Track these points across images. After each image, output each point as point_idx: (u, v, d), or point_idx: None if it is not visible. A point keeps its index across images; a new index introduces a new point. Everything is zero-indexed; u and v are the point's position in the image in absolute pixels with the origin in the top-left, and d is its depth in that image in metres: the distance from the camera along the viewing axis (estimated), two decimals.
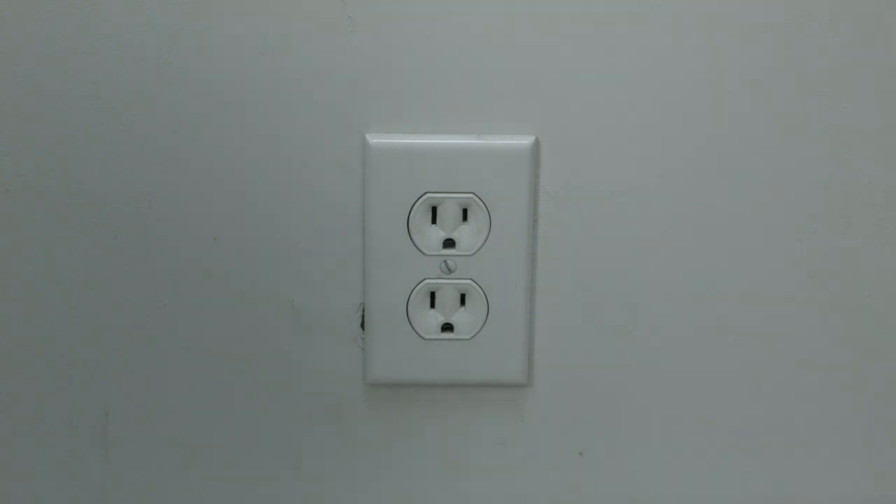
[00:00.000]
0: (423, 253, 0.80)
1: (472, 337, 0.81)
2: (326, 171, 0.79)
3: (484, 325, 0.81)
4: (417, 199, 0.79)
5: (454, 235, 0.80)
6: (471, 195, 0.79)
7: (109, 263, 0.81)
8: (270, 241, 0.81)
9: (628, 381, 0.84)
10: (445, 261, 0.80)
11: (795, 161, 0.79)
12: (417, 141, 0.78)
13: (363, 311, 0.82)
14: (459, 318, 0.81)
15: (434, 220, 0.80)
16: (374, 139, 0.78)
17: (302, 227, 0.80)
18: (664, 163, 0.79)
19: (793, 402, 0.84)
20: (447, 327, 0.81)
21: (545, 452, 0.85)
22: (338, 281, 0.81)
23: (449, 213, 0.79)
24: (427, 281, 0.80)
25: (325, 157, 0.79)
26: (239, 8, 0.76)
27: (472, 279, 0.80)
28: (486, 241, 0.80)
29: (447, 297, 0.80)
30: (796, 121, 0.79)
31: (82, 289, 0.81)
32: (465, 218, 0.80)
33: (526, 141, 0.79)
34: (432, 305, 0.81)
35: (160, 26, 0.76)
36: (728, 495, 0.86)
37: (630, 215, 0.80)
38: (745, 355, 0.83)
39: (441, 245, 0.80)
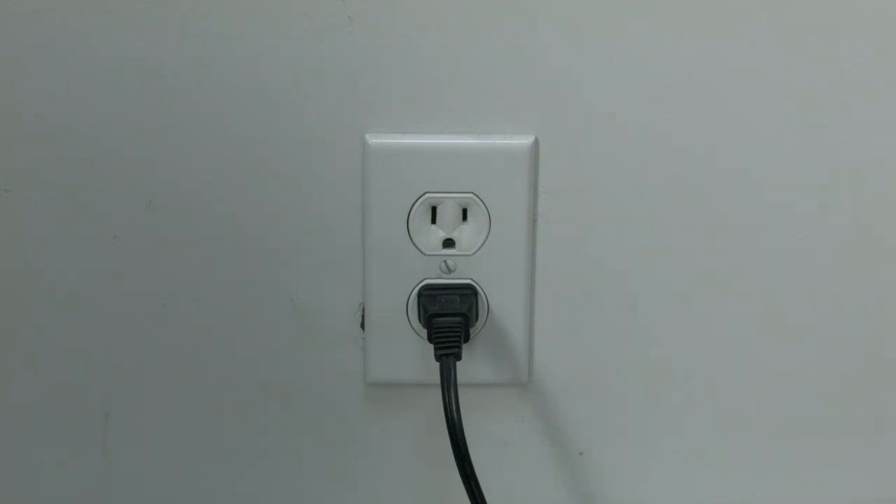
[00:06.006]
0: (422, 253, 0.80)
1: (473, 336, 0.81)
2: (326, 171, 0.79)
3: (484, 324, 0.81)
4: (417, 199, 0.79)
5: (454, 235, 0.80)
6: (470, 195, 0.79)
7: (109, 263, 0.81)
8: (270, 241, 0.81)
9: (628, 381, 0.84)
10: (445, 261, 0.80)
11: (796, 160, 0.79)
12: (417, 141, 0.78)
13: (363, 311, 0.82)
14: None
15: (434, 220, 0.80)
16: (374, 139, 0.78)
17: (302, 227, 0.80)
18: (664, 163, 0.79)
19: (793, 402, 0.84)
20: None
21: (545, 452, 0.85)
22: (338, 281, 0.81)
23: (449, 213, 0.79)
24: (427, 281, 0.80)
25: (325, 157, 0.79)
26: (238, 8, 0.76)
27: (471, 279, 0.80)
28: (485, 240, 0.80)
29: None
30: (797, 120, 0.79)
31: (82, 289, 0.81)
32: (464, 218, 0.80)
33: (525, 141, 0.79)
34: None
35: (159, 26, 0.76)
36: (728, 495, 0.86)
37: (630, 215, 0.80)
38: (746, 355, 0.83)
39: (441, 245, 0.80)
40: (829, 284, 0.82)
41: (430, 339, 0.79)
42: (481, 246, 0.80)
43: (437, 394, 0.76)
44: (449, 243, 0.80)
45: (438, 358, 0.78)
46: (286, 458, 0.85)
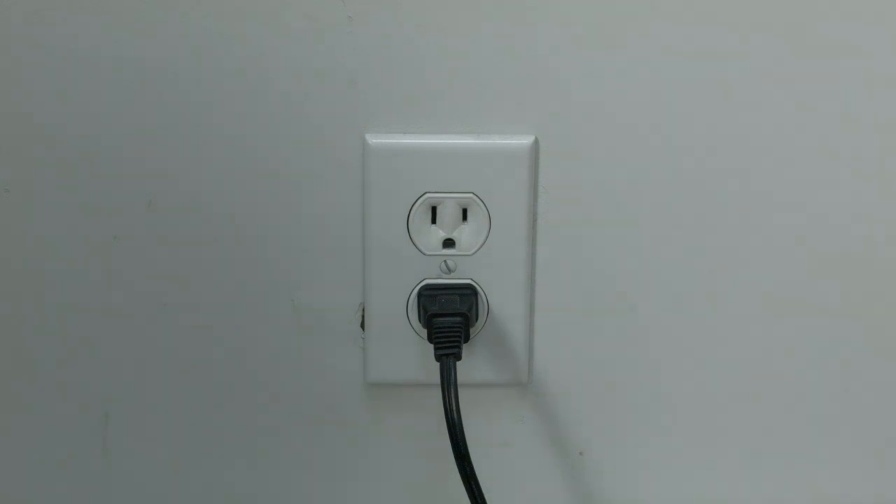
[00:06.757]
0: (422, 253, 0.80)
1: (473, 336, 0.81)
2: (326, 171, 0.79)
3: (484, 324, 0.81)
4: (417, 199, 0.79)
5: (454, 235, 0.80)
6: (470, 195, 0.79)
7: (109, 263, 0.81)
8: (270, 241, 0.81)
9: (628, 381, 0.84)
10: (445, 261, 0.80)
11: (796, 159, 0.79)
12: (417, 141, 0.78)
13: (363, 311, 0.82)
14: None
15: (434, 220, 0.80)
16: (374, 139, 0.78)
17: (302, 228, 0.80)
18: (664, 163, 0.79)
19: (793, 402, 0.84)
20: None
21: (545, 452, 0.85)
22: (338, 281, 0.81)
23: (449, 212, 0.79)
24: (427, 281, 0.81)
25: (325, 157, 0.79)
26: (238, 8, 0.76)
27: (471, 279, 0.80)
28: (485, 240, 0.80)
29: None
30: (797, 119, 0.79)
31: (82, 289, 0.81)
32: (464, 218, 0.80)
33: (525, 141, 0.79)
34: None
35: (159, 26, 0.76)
36: (728, 495, 0.86)
37: (630, 215, 0.80)
38: (745, 355, 0.83)
39: (441, 245, 0.80)
40: (830, 284, 0.82)
41: (430, 339, 0.79)
42: (481, 246, 0.80)
43: (437, 394, 0.76)
44: (449, 243, 0.80)
45: (438, 358, 0.78)
46: (286, 457, 0.85)
